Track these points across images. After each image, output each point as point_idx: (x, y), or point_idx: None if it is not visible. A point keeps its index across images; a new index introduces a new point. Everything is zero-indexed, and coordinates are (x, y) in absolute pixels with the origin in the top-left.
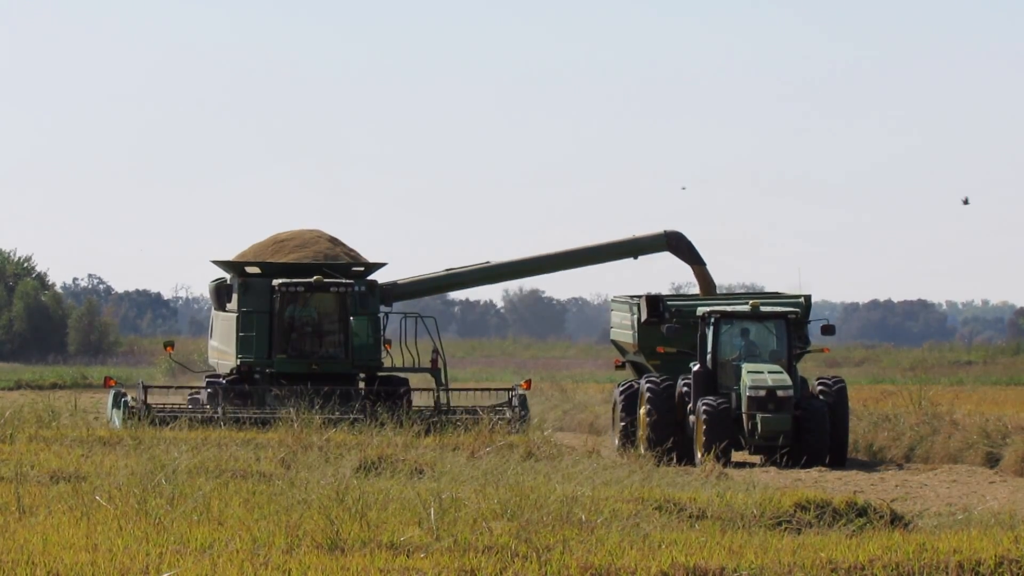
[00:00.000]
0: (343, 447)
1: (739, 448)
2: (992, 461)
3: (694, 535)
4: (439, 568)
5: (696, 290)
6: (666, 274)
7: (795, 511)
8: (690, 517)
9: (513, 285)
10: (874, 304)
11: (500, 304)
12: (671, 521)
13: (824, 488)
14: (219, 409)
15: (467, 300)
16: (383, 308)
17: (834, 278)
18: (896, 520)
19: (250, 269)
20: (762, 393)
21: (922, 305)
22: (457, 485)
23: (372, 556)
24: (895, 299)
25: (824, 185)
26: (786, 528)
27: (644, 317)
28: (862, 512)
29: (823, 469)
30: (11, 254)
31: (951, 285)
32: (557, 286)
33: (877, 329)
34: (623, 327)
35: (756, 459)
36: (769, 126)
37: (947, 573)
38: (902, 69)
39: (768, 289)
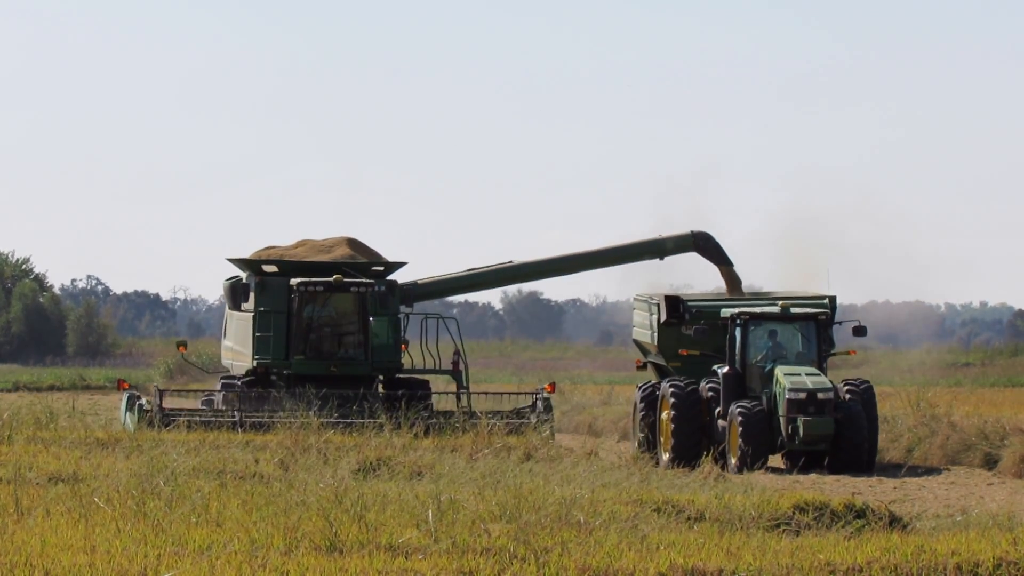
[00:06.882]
0: (342, 449)
1: (772, 453)
2: (990, 463)
3: (692, 537)
4: (437, 570)
5: (696, 291)
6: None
7: (793, 513)
8: (688, 519)
9: (511, 286)
10: (872, 305)
11: (498, 306)
12: (669, 523)
13: (822, 490)
14: (237, 413)
15: (465, 301)
16: (403, 309)
17: (835, 278)
18: (894, 522)
19: (267, 268)
20: (802, 396)
21: (920, 306)
22: (456, 487)
23: (370, 558)
24: (894, 300)
25: (823, 184)
26: (784, 530)
27: (664, 318)
28: (860, 514)
29: (820, 471)
30: (9, 255)
31: (950, 287)
32: (555, 287)
33: (875, 330)
34: (643, 327)
35: (783, 465)
36: (769, 125)
37: (945, 575)
38: (902, 67)
39: (765, 289)
